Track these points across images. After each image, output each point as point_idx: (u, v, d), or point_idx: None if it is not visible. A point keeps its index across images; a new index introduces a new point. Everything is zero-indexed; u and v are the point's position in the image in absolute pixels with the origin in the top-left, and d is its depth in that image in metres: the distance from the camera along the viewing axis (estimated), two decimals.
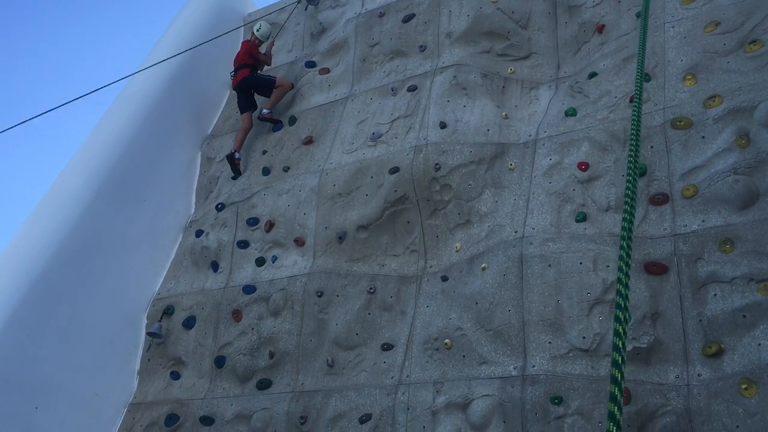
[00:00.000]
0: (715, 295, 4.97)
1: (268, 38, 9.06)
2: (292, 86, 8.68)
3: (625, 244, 3.62)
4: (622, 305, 3.18)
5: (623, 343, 3.07)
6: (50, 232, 7.28)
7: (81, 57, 30.21)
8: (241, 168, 8.42)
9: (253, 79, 8.63)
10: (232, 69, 8.86)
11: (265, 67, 9.12)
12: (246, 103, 8.69)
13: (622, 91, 6.29)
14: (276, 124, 8.46)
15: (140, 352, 7.80)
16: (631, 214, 4.46)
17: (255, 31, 8.94)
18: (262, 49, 8.97)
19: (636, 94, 5.55)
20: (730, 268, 4.98)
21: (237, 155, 8.35)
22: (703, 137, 5.59)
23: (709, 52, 5.98)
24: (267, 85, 8.63)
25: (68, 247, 7.27)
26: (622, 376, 2.92)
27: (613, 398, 2.81)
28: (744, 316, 4.79)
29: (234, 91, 9.01)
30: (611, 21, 6.97)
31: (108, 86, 7.99)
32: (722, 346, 4.81)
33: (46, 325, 6.86)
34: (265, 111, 8.42)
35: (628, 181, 4.79)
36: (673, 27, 6.36)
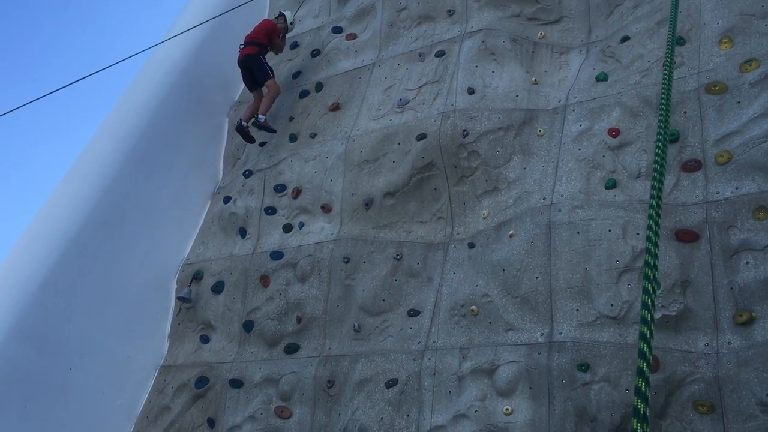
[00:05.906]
0: (747, 263, 4.90)
1: (290, 30, 8.89)
2: (279, 93, 8.39)
3: (653, 212, 3.57)
4: (651, 276, 3.16)
5: (652, 302, 3.04)
6: (82, 198, 7.40)
7: (113, 26, 30.44)
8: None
9: (256, 61, 8.31)
10: (242, 42, 8.54)
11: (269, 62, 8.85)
12: (250, 80, 8.44)
13: (655, 55, 6.15)
14: (271, 132, 8.21)
15: (170, 316, 7.94)
16: (660, 182, 4.39)
17: (286, 19, 8.73)
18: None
19: (667, 57, 5.41)
20: (763, 236, 4.90)
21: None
22: (739, 102, 5.46)
23: (746, 15, 5.81)
24: (262, 74, 8.30)
25: (99, 212, 7.39)
26: (651, 333, 2.90)
27: (642, 355, 2.79)
28: None
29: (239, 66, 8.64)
30: None
31: (138, 54, 8.02)
32: (753, 314, 4.76)
33: (79, 288, 7.01)
34: (261, 118, 8.06)
35: (657, 147, 4.70)
36: None
